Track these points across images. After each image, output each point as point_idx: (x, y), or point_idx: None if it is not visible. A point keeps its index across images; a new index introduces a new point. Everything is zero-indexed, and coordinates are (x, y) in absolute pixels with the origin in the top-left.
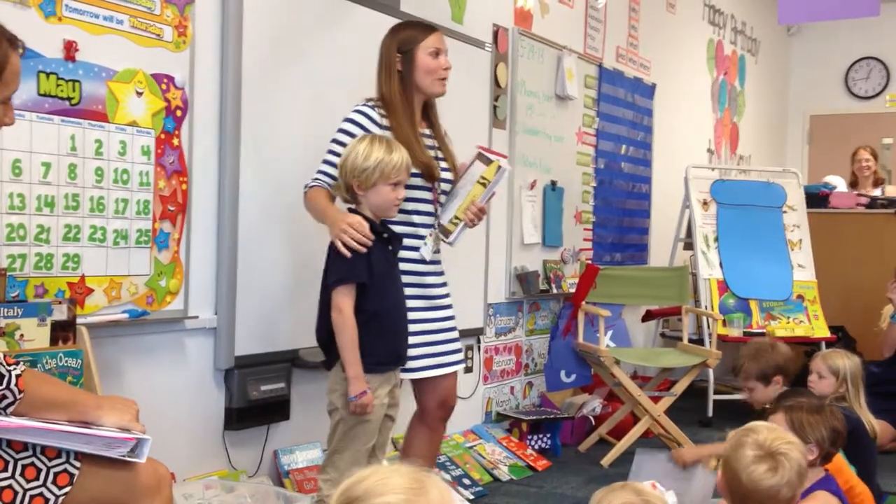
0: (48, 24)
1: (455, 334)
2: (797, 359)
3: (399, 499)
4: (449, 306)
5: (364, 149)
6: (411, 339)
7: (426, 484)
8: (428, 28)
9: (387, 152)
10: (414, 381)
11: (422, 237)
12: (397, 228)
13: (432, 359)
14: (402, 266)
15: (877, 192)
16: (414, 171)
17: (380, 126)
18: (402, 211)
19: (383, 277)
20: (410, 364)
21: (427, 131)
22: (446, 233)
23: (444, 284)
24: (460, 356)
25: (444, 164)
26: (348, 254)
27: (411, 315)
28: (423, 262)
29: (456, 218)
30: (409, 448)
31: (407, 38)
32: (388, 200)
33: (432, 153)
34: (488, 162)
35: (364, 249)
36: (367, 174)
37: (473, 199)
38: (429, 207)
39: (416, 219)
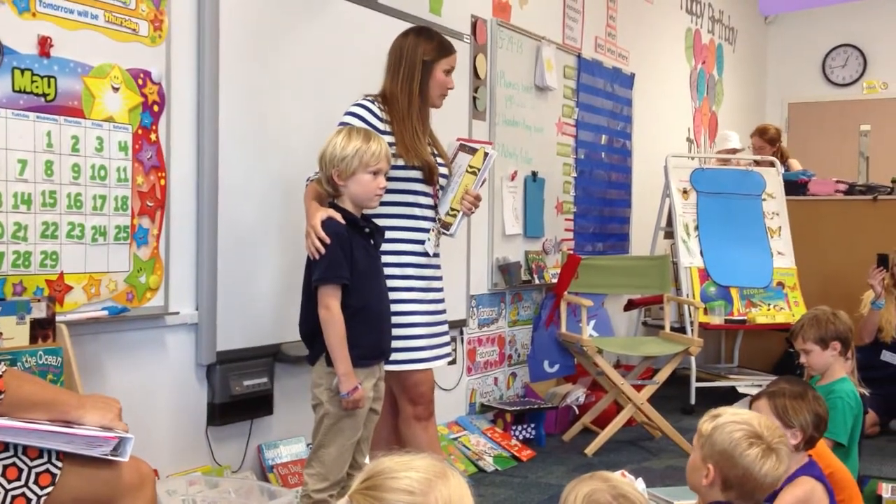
0: (22, 19)
1: (446, 328)
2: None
3: (420, 477)
4: (443, 300)
5: (342, 139)
6: (413, 332)
7: (448, 472)
8: (450, 48)
9: (364, 141)
10: (403, 374)
11: (426, 230)
12: (399, 223)
13: (432, 350)
14: (406, 259)
15: None
16: (416, 165)
17: (381, 120)
18: (403, 204)
19: (366, 272)
20: (412, 356)
21: None
22: (446, 225)
23: (440, 278)
24: (450, 348)
25: (439, 160)
26: (317, 256)
27: (412, 308)
28: (426, 255)
29: (452, 209)
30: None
31: (431, 50)
32: (369, 189)
33: (429, 149)
34: (472, 151)
35: (320, 253)
36: (346, 162)
37: (466, 188)
38: (429, 201)
39: (418, 212)
